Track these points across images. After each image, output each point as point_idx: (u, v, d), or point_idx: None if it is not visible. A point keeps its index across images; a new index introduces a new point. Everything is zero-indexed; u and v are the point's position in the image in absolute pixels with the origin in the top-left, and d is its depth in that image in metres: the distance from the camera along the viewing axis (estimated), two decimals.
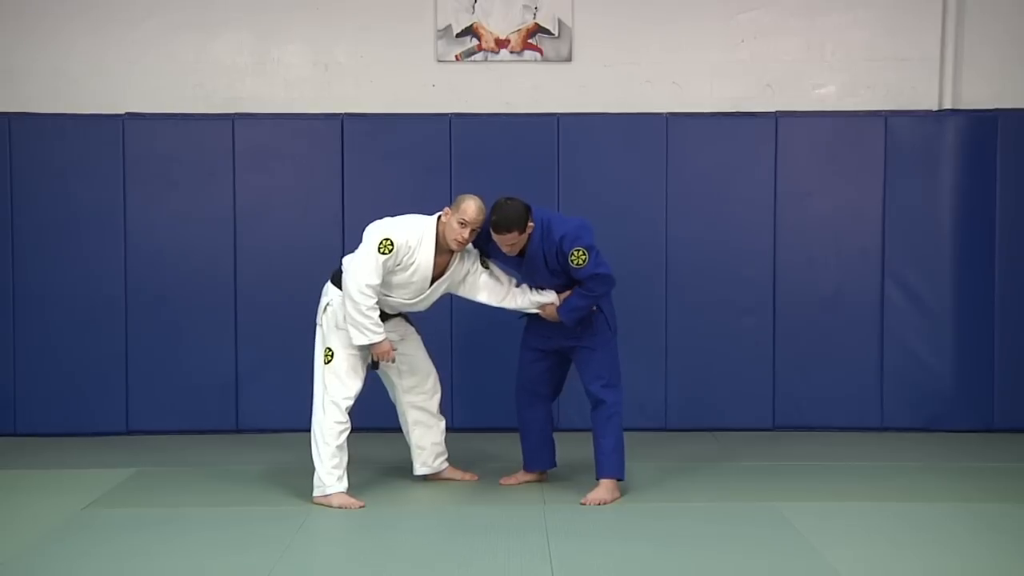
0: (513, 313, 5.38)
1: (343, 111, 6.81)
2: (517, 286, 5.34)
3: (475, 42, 6.94)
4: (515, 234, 5.05)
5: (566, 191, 6.68)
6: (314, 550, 4.67)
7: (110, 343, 6.70)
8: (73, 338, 6.68)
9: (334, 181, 6.73)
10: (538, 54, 6.95)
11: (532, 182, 6.46)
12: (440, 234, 5.15)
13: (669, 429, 6.79)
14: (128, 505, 5.27)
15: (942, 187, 6.75)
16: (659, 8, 6.95)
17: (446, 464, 5.62)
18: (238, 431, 6.76)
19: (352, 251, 5.19)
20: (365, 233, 5.13)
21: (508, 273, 5.38)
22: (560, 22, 6.92)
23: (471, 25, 6.93)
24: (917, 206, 6.75)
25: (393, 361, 5.29)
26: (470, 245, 5.26)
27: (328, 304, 5.27)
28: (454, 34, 6.92)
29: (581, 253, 5.07)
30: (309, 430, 5.28)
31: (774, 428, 6.82)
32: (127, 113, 6.75)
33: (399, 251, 5.08)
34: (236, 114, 6.78)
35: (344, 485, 5.20)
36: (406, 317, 5.46)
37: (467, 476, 5.66)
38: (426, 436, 5.53)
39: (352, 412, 5.23)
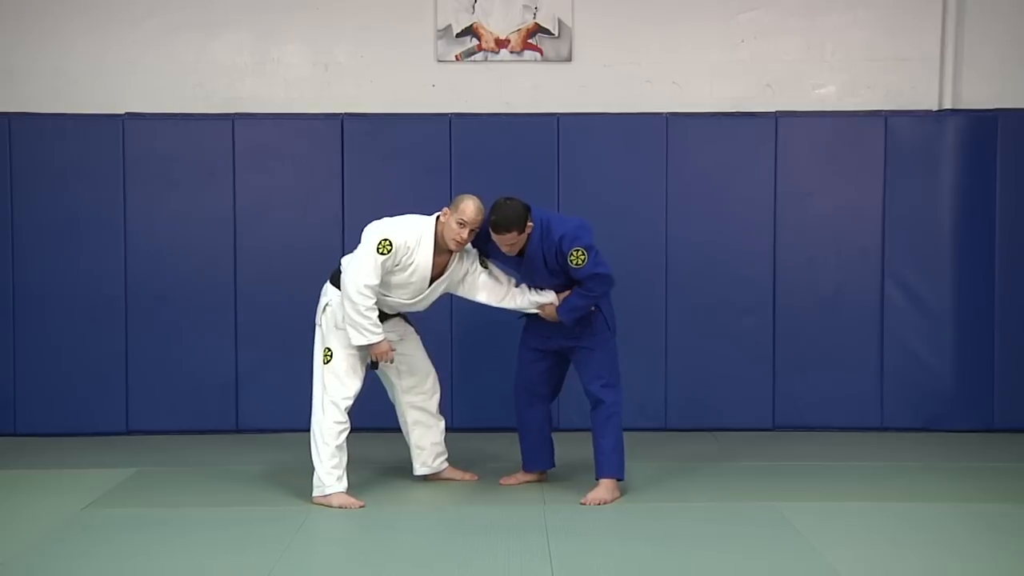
0: (512, 313, 5.38)
1: (343, 111, 6.81)
2: (516, 286, 5.34)
3: (475, 42, 6.94)
4: (514, 234, 5.05)
5: (566, 191, 6.69)
6: (314, 550, 4.67)
7: (110, 343, 6.70)
8: (73, 338, 6.68)
9: (334, 181, 6.73)
10: (538, 54, 6.95)
11: (532, 182, 6.45)
12: (439, 234, 5.15)
13: (669, 429, 6.79)
14: (128, 505, 5.27)
15: (942, 187, 6.75)
16: (659, 8, 6.95)
17: (446, 464, 5.62)
18: (238, 431, 6.76)
19: (352, 251, 5.19)
20: (364, 233, 5.13)
21: (507, 273, 5.38)
22: (560, 22, 6.92)
23: (471, 25, 6.93)
24: (917, 206, 6.75)
25: (392, 362, 5.29)
26: (469, 245, 5.26)
27: (327, 304, 5.27)
28: (454, 34, 6.92)
29: (580, 253, 5.07)
30: (309, 430, 5.28)
31: (774, 428, 6.82)
32: (127, 113, 6.76)
33: (398, 251, 5.08)
34: (236, 114, 6.78)
35: (344, 485, 5.20)
36: (405, 317, 5.46)
37: (467, 476, 5.66)
38: (425, 436, 5.53)
39: (351, 412, 5.23)
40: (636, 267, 6.59)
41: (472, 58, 6.94)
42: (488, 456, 6.04)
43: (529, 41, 6.94)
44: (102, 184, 6.68)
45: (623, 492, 5.33)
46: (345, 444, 5.22)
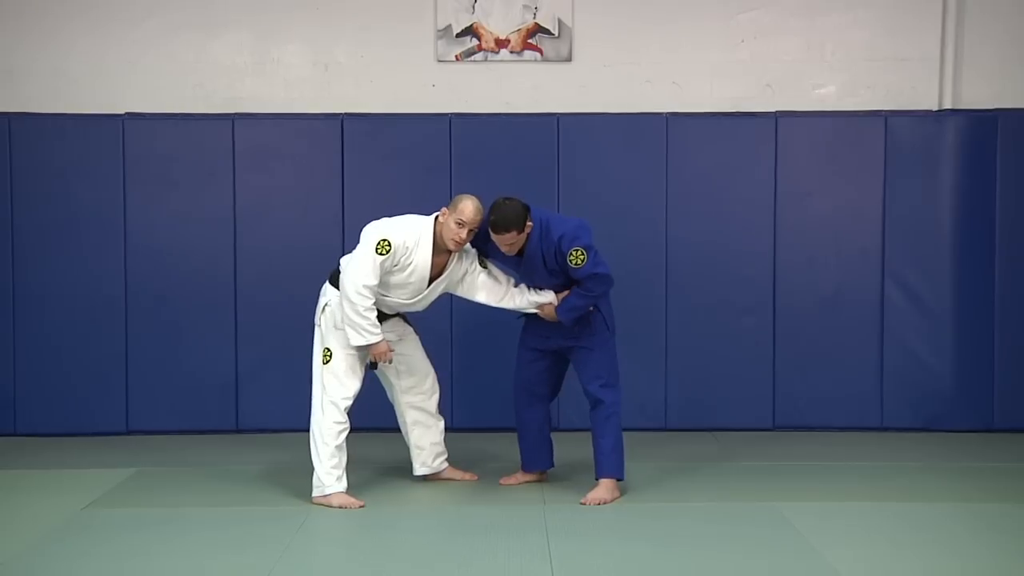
0: (511, 313, 5.38)
1: (343, 111, 6.81)
2: (515, 286, 5.34)
3: (475, 42, 6.94)
4: (513, 234, 5.05)
5: (566, 191, 6.69)
6: (314, 550, 4.67)
7: (110, 343, 6.70)
8: (73, 338, 6.68)
9: (334, 181, 6.73)
10: (538, 54, 6.95)
11: (532, 182, 6.46)
12: (438, 234, 5.15)
13: (669, 429, 6.79)
14: (128, 505, 5.27)
15: (942, 187, 6.75)
16: (659, 8, 6.95)
17: (446, 464, 5.62)
18: (238, 431, 6.76)
19: (351, 251, 5.19)
20: (362, 234, 5.13)
21: (506, 273, 5.38)
22: (560, 22, 6.92)
23: (471, 25, 6.93)
24: (917, 206, 6.75)
25: (390, 362, 5.29)
26: (468, 245, 5.26)
27: (326, 304, 5.26)
28: (454, 34, 6.92)
29: (580, 253, 5.07)
30: (308, 430, 5.28)
31: (774, 428, 6.82)
32: (127, 113, 6.76)
33: (396, 252, 5.08)
34: (236, 114, 6.78)
35: (343, 485, 5.20)
36: (404, 317, 5.46)
37: (467, 476, 5.66)
38: (425, 436, 5.53)
39: (351, 412, 5.23)
40: (636, 267, 6.59)
41: (472, 58, 6.94)
42: (488, 456, 6.04)
43: (529, 41, 6.94)
44: (102, 184, 6.68)
45: (623, 492, 5.33)
46: (345, 444, 5.22)
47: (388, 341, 5.22)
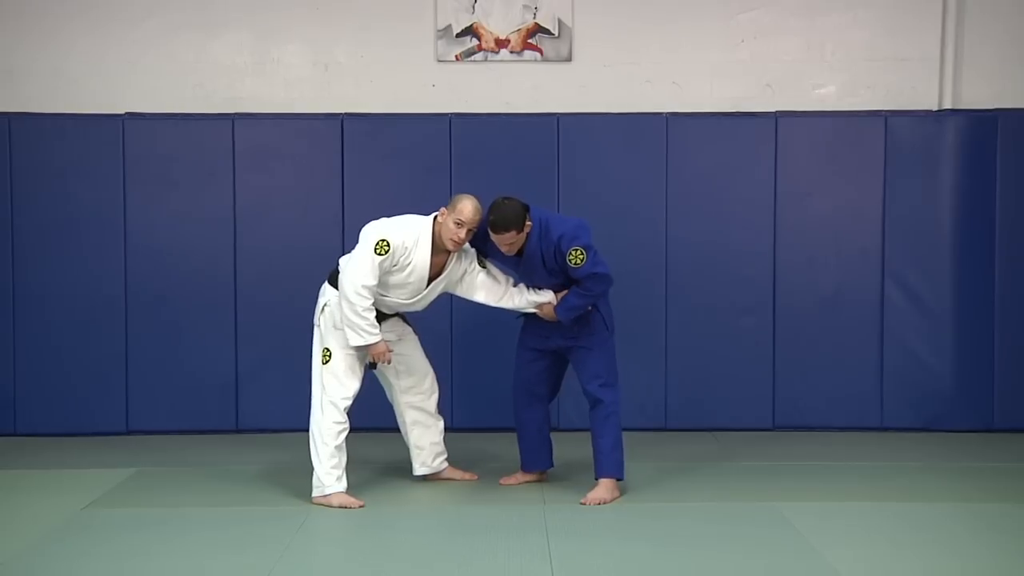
0: (511, 313, 5.38)
1: (343, 111, 6.81)
2: (514, 285, 5.34)
3: (475, 42, 6.94)
4: (513, 233, 5.05)
5: (566, 191, 6.69)
6: (314, 550, 4.67)
7: (110, 343, 6.70)
8: (73, 338, 6.69)
9: (334, 181, 6.73)
10: (538, 54, 6.95)
11: (532, 182, 6.46)
12: (436, 234, 5.15)
13: (669, 429, 6.79)
14: (128, 505, 5.27)
15: (942, 187, 6.75)
16: (659, 8, 6.95)
17: (445, 464, 5.62)
18: (238, 431, 6.76)
19: (351, 251, 5.19)
20: (361, 234, 5.13)
21: (506, 272, 5.38)
22: (560, 22, 6.92)
23: (471, 25, 6.93)
24: (917, 206, 6.75)
25: (389, 363, 5.28)
26: (467, 244, 5.26)
27: (326, 304, 5.26)
28: (454, 34, 6.92)
29: (579, 252, 5.07)
30: (308, 430, 5.28)
31: (774, 428, 6.82)
32: (127, 113, 6.76)
33: (395, 252, 5.07)
34: (236, 114, 6.78)
35: (343, 485, 5.20)
36: (403, 317, 5.46)
37: (467, 476, 5.65)
38: (424, 436, 5.53)
39: (351, 412, 5.23)
40: (636, 267, 6.59)
41: (472, 58, 6.94)
42: (488, 456, 6.03)
43: (529, 41, 6.94)
44: (102, 184, 6.68)
45: (623, 492, 5.33)
46: (344, 444, 5.22)
47: (387, 341, 5.22)
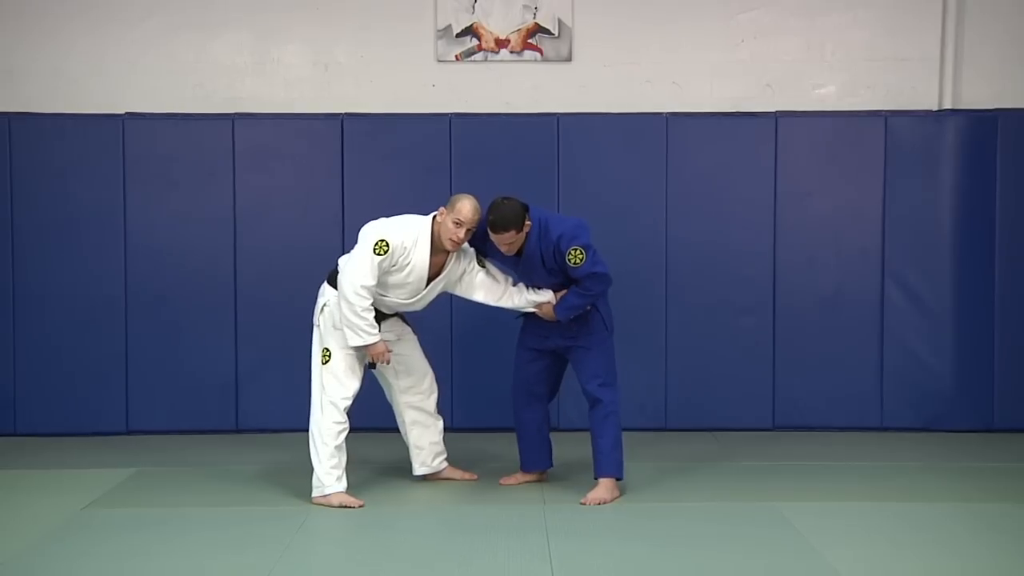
0: (510, 312, 5.38)
1: (343, 111, 6.81)
2: (514, 285, 5.34)
3: (475, 42, 6.94)
4: (512, 233, 5.05)
5: (566, 191, 6.68)
6: (313, 550, 4.67)
7: (110, 343, 6.70)
8: (73, 338, 6.69)
9: (334, 181, 6.73)
10: (538, 54, 6.95)
11: (532, 182, 6.46)
12: (435, 234, 5.15)
13: (669, 429, 6.79)
14: (128, 505, 5.27)
15: (942, 187, 6.75)
16: (659, 8, 6.95)
17: (445, 464, 5.62)
18: (238, 431, 6.76)
19: (350, 251, 5.19)
20: (360, 234, 5.13)
21: (505, 272, 5.38)
22: (560, 22, 6.92)
23: (471, 25, 6.93)
24: (917, 206, 6.75)
25: (388, 363, 5.28)
26: (466, 244, 5.26)
27: (325, 305, 5.26)
28: (454, 34, 6.92)
29: (578, 252, 5.07)
30: (308, 430, 5.28)
31: (774, 428, 6.82)
32: (127, 113, 6.76)
33: (395, 252, 5.07)
34: (236, 114, 6.79)
35: (343, 485, 5.20)
36: (402, 317, 5.46)
37: (467, 476, 5.65)
38: (424, 436, 5.53)
39: (350, 412, 5.23)
40: (636, 267, 6.59)
41: (472, 58, 6.94)
42: (488, 456, 6.03)
43: (529, 41, 6.94)
44: (102, 184, 6.68)
45: (623, 492, 5.33)
46: (344, 444, 5.22)
47: (386, 341, 5.22)
